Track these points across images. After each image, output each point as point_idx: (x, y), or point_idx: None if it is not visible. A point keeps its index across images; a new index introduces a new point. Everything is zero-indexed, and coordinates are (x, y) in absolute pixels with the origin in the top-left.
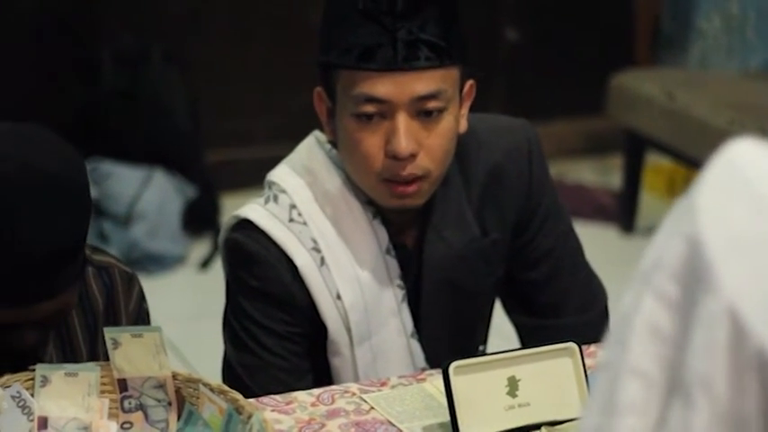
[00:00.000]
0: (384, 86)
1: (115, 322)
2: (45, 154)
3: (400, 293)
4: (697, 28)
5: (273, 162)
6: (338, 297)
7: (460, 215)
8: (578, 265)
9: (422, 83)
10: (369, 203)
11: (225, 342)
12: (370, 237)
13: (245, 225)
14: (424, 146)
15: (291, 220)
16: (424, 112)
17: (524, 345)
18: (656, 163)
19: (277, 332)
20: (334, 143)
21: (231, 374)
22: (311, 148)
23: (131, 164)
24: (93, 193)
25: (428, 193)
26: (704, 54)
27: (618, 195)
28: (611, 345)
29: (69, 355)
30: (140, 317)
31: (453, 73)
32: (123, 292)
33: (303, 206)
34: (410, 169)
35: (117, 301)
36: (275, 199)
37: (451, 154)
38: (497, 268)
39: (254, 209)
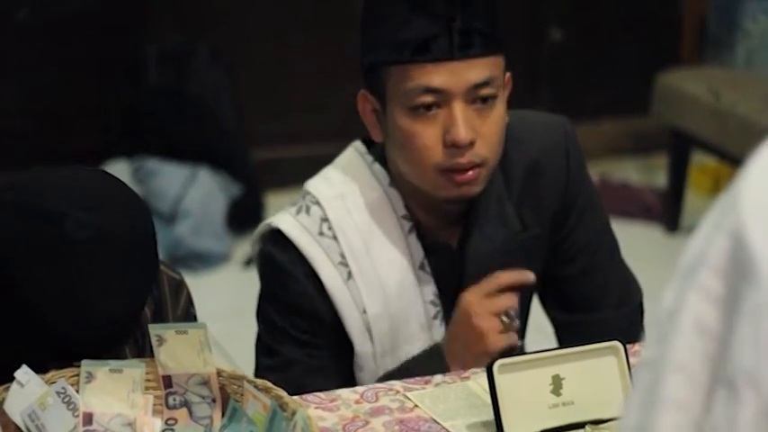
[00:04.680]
0: (440, 76)
1: None
2: (117, 219)
3: (433, 310)
4: (743, 28)
5: (318, 161)
6: (364, 311)
7: (502, 211)
8: (615, 261)
9: (476, 71)
10: (405, 218)
11: (255, 350)
12: (403, 252)
13: (276, 235)
14: (480, 134)
15: (321, 233)
16: (479, 99)
17: (560, 340)
18: (701, 162)
19: (303, 341)
20: (377, 152)
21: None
22: (351, 160)
23: (177, 161)
24: (139, 190)
25: (485, 180)
26: (750, 54)
27: (663, 195)
28: (653, 342)
29: None
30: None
31: (500, 61)
32: (171, 299)
33: (335, 218)
34: (469, 157)
35: (165, 309)
36: (307, 210)
37: (503, 143)
38: (537, 263)
39: (285, 219)
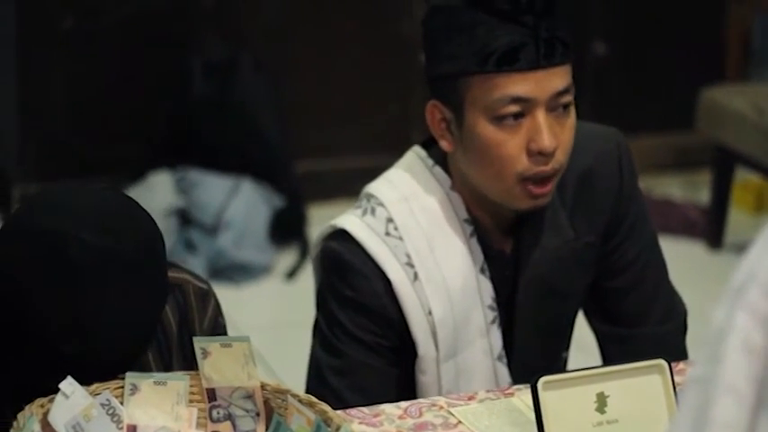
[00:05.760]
0: (526, 85)
1: (189, 340)
2: (128, 242)
3: (491, 315)
4: None
5: (361, 173)
6: (430, 313)
7: (555, 219)
8: (662, 277)
9: (558, 79)
10: (467, 221)
11: (314, 346)
12: (465, 255)
13: (342, 235)
14: (559, 140)
15: (387, 233)
16: (560, 106)
17: (603, 352)
18: (745, 179)
19: (366, 342)
20: (437, 155)
21: (318, 377)
22: (412, 164)
23: (220, 173)
24: (182, 201)
25: (554, 190)
26: None
27: (706, 211)
28: (702, 360)
29: None
30: (215, 333)
31: (571, 68)
32: (197, 309)
33: (399, 220)
34: (552, 164)
35: (191, 319)
36: (372, 212)
37: None
38: (589, 271)
39: (351, 220)
